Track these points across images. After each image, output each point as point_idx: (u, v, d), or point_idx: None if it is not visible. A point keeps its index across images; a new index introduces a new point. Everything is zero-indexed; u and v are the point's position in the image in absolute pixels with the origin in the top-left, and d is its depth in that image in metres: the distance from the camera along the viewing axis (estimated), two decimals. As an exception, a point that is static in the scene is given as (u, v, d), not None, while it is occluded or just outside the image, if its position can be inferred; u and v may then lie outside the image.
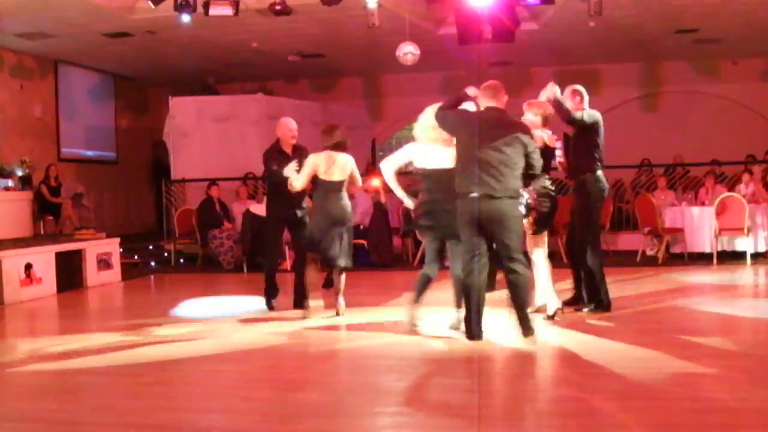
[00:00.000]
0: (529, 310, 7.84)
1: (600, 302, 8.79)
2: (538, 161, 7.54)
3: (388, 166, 8.12)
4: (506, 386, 6.23)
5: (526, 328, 7.44)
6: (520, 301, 7.45)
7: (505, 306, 7.70)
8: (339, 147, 8.95)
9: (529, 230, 8.25)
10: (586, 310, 8.78)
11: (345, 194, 8.98)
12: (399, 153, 8.19)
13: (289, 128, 9.61)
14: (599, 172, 8.72)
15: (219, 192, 15.85)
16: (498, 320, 7.97)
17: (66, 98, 18.79)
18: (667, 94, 21.04)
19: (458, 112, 7.70)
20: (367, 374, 6.79)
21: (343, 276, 9.10)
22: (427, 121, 7.84)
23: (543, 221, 8.27)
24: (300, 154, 9.36)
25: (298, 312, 9.19)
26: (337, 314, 9.06)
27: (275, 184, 9.50)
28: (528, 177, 7.61)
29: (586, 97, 8.87)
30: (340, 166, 8.88)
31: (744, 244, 13.49)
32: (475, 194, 7.28)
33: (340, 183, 8.91)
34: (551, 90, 8.48)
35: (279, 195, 9.44)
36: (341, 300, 9.11)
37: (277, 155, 9.47)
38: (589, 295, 8.91)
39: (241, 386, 6.41)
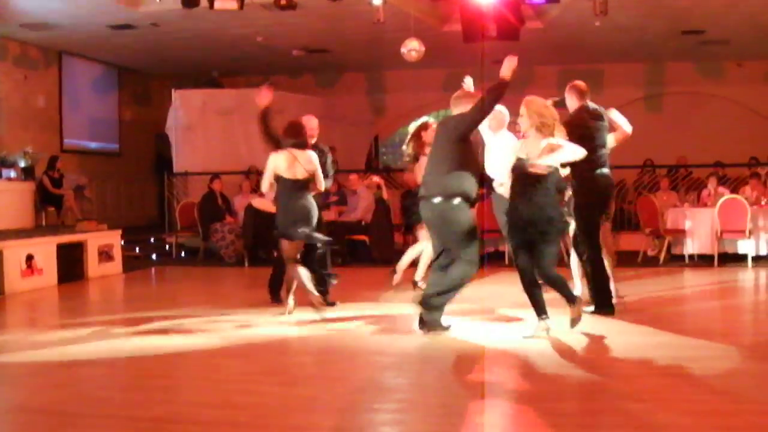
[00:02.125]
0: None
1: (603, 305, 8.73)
2: None
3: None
4: (509, 383, 6.21)
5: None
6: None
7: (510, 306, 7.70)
8: (301, 146, 8.90)
9: None
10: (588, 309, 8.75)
11: (308, 193, 8.86)
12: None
13: (309, 126, 9.52)
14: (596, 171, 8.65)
15: (221, 186, 15.85)
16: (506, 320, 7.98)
17: (69, 89, 18.76)
18: (671, 95, 21.01)
19: None
20: (367, 370, 6.79)
21: (301, 273, 8.82)
22: None
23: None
24: (320, 153, 9.29)
25: (298, 307, 9.20)
26: (288, 313, 8.98)
27: None
28: None
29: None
30: (303, 164, 8.78)
31: (746, 246, 13.46)
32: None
33: (304, 181, 8.81)
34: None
35: None
36: (290, 299, 8.99)
37: None
38: (591, 294, 8.84)
39: (242, 380, 6.40)
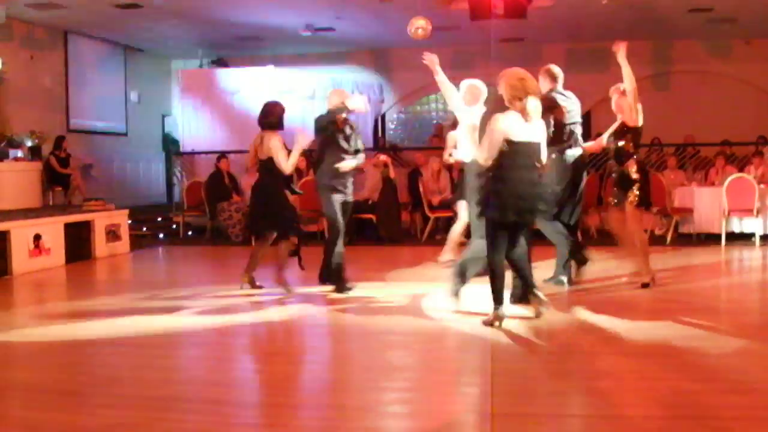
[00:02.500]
0: None
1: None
2: None
3: None
4: (517, 363, 6.22)
5: None
6: None
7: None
8: (271, 126, 9.12)
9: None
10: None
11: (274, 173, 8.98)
12: None
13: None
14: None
15: (228, 165, 15.84)
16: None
17: (76, 69, 18.74)
18: (679, 73, 20.92)
19: None
20: (374, 350, 6.79)
21: (283, 248, 9.13)
22: None
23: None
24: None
25: (307, 287, 9.23)
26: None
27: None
28: None
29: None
30: (266, 145, 8.95)
31: (753, 225, 13.44)
32: None
33: (269, 161, 8.95)
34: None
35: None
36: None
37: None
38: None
39: (249, 359, 6.43)
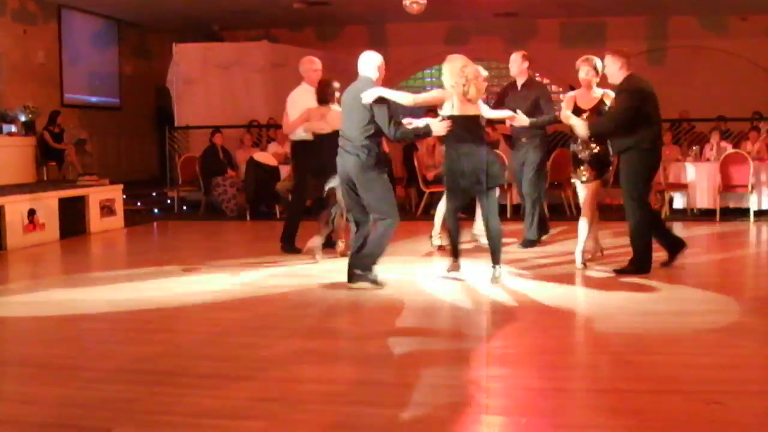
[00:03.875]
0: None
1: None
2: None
3: None
4: (515, 336, 6.25)
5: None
6: None
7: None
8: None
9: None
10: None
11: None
12: None
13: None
14: None
15: (222, 139, 15.81)
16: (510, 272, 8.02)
17: (69, 44, 18.66)
18: (674, 48, 20.89)
19: None
20: (369, 323, 6.83)
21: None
22: None
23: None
24: None
25: (299, 260, 9.28)
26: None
27: None
28: None
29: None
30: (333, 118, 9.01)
31: (748, 201, 13.46)
32: None
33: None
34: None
35: None
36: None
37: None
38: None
39: (243, 333, 6.44)
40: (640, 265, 8.31)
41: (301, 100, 9.67)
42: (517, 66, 10.18)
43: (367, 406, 4.67)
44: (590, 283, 8.07)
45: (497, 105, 10.21)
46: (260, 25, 21.08)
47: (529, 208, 10.32)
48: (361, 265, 7.84)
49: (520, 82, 10.28)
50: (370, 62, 7.95)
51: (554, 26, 19.61)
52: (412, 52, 20.84)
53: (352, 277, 7.87)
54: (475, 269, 8.50)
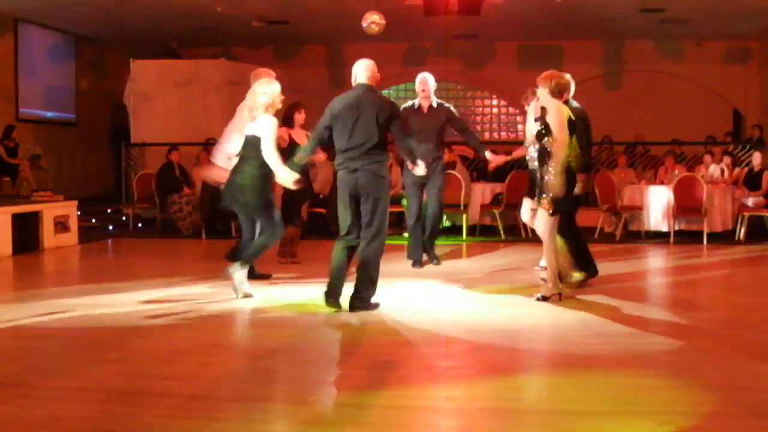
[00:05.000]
0: None
1: None
2: None
3: None
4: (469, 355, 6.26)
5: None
6: None
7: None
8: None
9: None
10: None
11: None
12: None
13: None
14: None
15: (179, 157, 15.73)
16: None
17: (25, 57, 18.51)
18: (630, 72, 21.17)
19: None
20: (322, 343, 6.82)
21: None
22: None
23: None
24: None
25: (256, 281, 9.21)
26: None
27: None
28: None
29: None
30: None
31: (701, 224, 13.61)
32: None
33: None
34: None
35: None
36: None
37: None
38: None
39: (196, 353, 6.38)
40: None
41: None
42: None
43: (323, 427, 4.65)
44: (546, 303, 8.09)
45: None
46: (219, 42, 21.04)
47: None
48: (366, 297, 7.73)
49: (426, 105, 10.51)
50: (366, 69, 7.93)
51: (513, 48, 19.77)
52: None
53: (353, 309, 7.73)
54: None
